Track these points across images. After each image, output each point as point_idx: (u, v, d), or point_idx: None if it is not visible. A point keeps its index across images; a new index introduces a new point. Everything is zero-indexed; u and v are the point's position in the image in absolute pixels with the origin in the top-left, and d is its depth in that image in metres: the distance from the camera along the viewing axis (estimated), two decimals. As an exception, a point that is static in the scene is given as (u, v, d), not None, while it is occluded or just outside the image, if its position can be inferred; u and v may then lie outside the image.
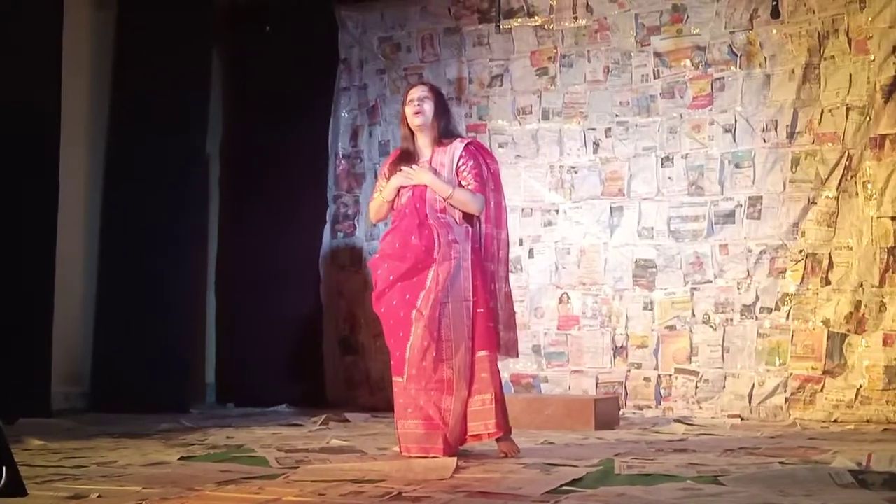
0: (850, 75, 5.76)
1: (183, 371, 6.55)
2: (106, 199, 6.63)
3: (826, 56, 5.85)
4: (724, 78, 6.15)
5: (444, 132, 4.14)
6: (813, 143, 5.86)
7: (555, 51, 6.64)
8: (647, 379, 6.15)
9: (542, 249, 6.55)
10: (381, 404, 6.26)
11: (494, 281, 4.12)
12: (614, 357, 6.27)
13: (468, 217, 4.06)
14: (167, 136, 6.50)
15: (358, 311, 6.99)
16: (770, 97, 6.00)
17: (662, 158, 6.28)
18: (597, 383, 6.27)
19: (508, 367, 6.20)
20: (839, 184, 5.75)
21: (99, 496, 2.84)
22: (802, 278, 5.80)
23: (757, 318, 5.91)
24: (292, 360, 7.01)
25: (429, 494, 2.86)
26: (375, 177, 4.38)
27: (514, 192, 6.40)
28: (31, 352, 5.59)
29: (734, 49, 6.12)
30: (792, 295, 5.82)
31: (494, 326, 4.03)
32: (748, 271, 5.96)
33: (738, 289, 5.98)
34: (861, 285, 5.62)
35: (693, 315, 6.08)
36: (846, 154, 5.75)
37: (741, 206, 6.03)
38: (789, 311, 5.82)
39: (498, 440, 3.93)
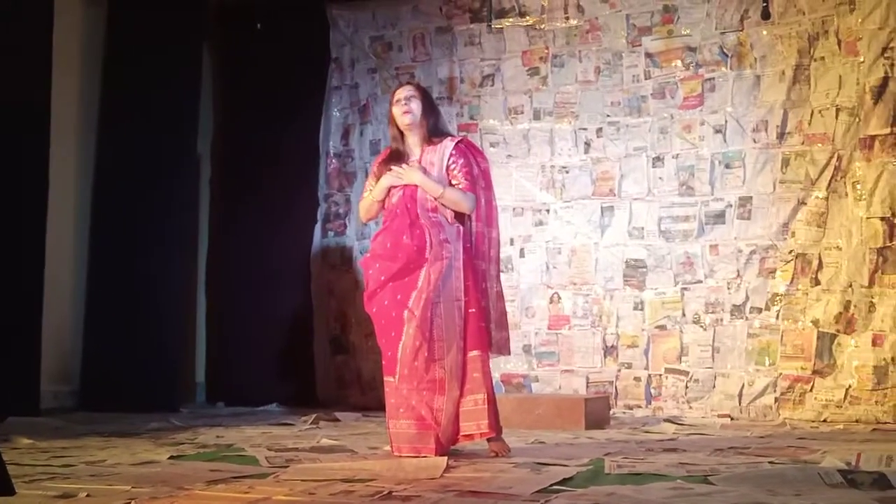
0: (840, 76, 5.78)
1: (173, 370, 6.54)
2: (96, 198, 6.62)
3: (816, 57, 5.87)
4: (714, 79, 6.16)
5: (434, 131, 4.13)
6: (803, 143, 5.88)
7: (546, 51, 6.65)
8: (637, 379, 6.16)
9: (533, 249, 6.56)
10: (372, 404, 6.26)
11: (486, 280, 4.12)
12: (605, 357, 6.28)
13: (459, 216, 4.06)
14: (158, 135, 6.49)
15: (349, 311, 6.99)
16: (760, 98, 6.02)
17: (653, 159, 6.29)
18: (587, 383, 6.28)
19: (499, 367, 6.21)
20: (829, 184, 5.78)
21: (88, 495, 2.83)
22: (792, 278, 5.82)
23: (747, 318, 5.92)
24: (283, 360, 7.00)
25: (419, 494, 2.85)
26: (366, 176, 4.36)
27: (505, 192, 6.41)
28: (21, 350, 5.58)
29: (725, 50, 6.14)
30: (782, 295, 5.84)
31: (486, 326, 4.03)
32: (738, 271, 5.98)
33: (729, 289, 6.00)
34: (850, 285, 5.64)
35: (683, 315, 6.10)
36: (836, 155, 5.77)
37: (731, 206, 6.05)
38: (779, 311, 5.84)
39: (489, 440, 3.93)
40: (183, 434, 4.87)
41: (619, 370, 6.22)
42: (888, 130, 5.62)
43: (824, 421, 5.51)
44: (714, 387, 5.94)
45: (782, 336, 5.81)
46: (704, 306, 6.05)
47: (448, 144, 4.09)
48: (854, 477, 2.96)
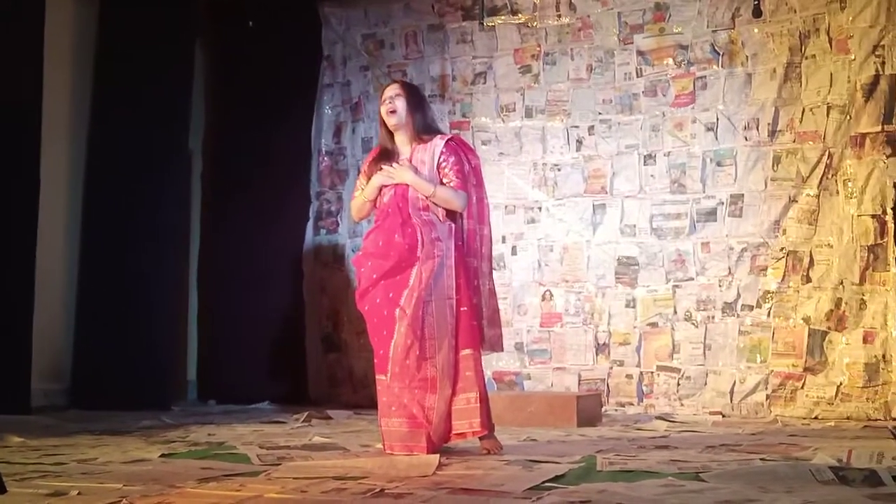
0: (831, 74, 5.80)
1: (164, 368, 6.53)
2: (88, 195, 6.59)
3: (807, 55, 5.89)
4: (706, 76, 6.17)
5: (423, 129, 4.12)
6: (794, 141, 5.90)
7: (538, 48, 6.65)
8: (629, 376, 6.17)
9: (525, 247, 6.56)
10: (364, 402, 6.26)
11: (478, 277, 4.12)
12: (597, 354, 6.28)
13: (451, 214, 4.05)
14: (150, 132, 6.47)
15: (341, 309, 6.98)
16: (752, 96, 6.03)
17: (645, 156, 6.30)
18: (579, 380, 6.29)
19: (491, 365, 6.22)
20: (820, 182, 5.79)
21: (79, 493, 2.83)
22: (783, 276, 5.84)
23: (738, 316, 5.94)
24: (274, 358, 6.99)
25: (411, 491, 2.85)
26: (359, 173, 4.36)
27: (497, 190, 6.42)
28: (11, 348, 5.56)
29: (716, 48, 6.15)
30: (773, 292, 5.86)
31: (478, 324, 4.03)
32: (730, 269, 5.99)
33: (720, 286, 6.01)
34: (841, 283, 5.66)
35: (675, 312, 6.11)
36: (827, 152, 5.79)
37: (723, 203, 6.06)
38: (770, 308, 5.85)
39: (481, 438, 3.93)
40: (174, 432, 4.86)
41: (611, 367, 6.22)
42: (879, 128, 5.64)
43: (815, 418, 5.53)
44: (706, 384, 5.96)
45: (774, 333, 5.83)
46: (696, 304, 6.06)
47: (438, 143, 4.09)
48: (845, 474, 2.97)
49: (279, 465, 3.49)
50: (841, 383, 5.57)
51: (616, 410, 6.08)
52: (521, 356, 6.45)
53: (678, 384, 6.02)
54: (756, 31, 6.04)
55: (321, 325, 7.10)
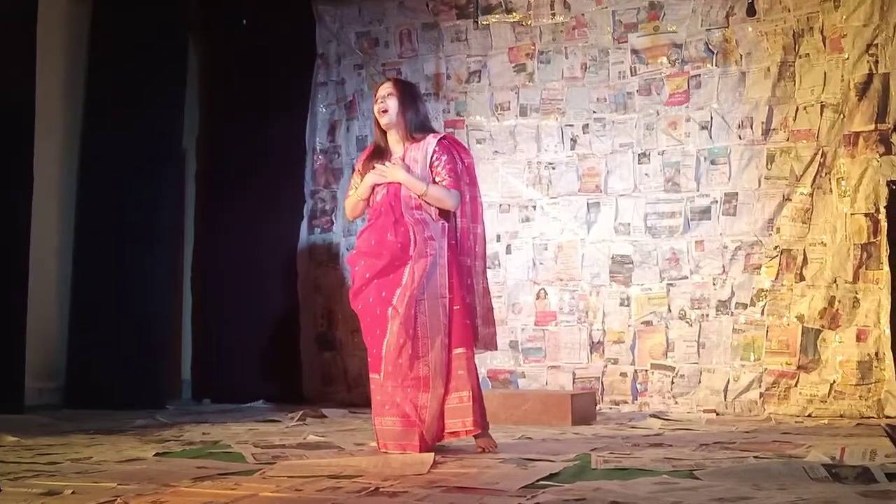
0: (825, 73, 5.81)
1: (158, 367, 6.51)
2: (81, 194, 6.58)
3: (801, 54, 5.90)
4: (700, 75, 6.18)
5: (416, 127, 4.10)
6: (788, 140, 5.91)
7: (532, 47, 6.65)
8: (623, 374, 6.18)
9: (520, 245, 6.57)
10: (359, 400, 6.26)
11: (471, 276, 4.12)
12: (591, 352, 6.29)
13: (444, 213, 4.05)
14: (143, 131, 6.46)
15: (335, 307, 6.98)
16: (746, 94, 6.04)
17: (639, 155, 6.30)
18: (573, 378, 6.29)
19: (485, 363, 6.22)
20: (813, 180, 5.80)
21: (73, 493, 2.83)
22: (777, 274, 5.85)
23: (732, 314, 5.95)
24: (269, 356, 6.98)
25: (406, 489, 2.86)
26: (353, 172, 4.36)
27: (491, 188, 6.42)
28: (5, 347, 5.55)
29: (710, 46, 6.16)
30: (767, 291, 5.87)
31: (471, 323, 4.03)
32: (724, 267, 6.00)
33: (714, 285, 6.02)
34: (835, 281, 5.67)
35: (669, 311, 6.12)
36: (820, 151, 5.80)
37: (717, 202, 6.07)
38: (764, 306, 5.87)
39: (475, 436, 3.93)
40: (169, 431, 4.86)
41: (606, 366, 6.23)
42: (872, 127, 5.65)
43: (809, 416, 5.55)
44: (700, 382, 5.97)
45: (767, 331, 5.84)
46: (690, 302, 6.07)
47: (431, 141, 4.08)
48: (838, 471, 2.98)
49: (274, 463, 3.49)
50: (834, 381, 5.59)
51: (610, 408, 6.09)
52: (515, 354, 6.46)
53: (672, 382, 6.03)
54: (750, 29, 6.05)
55: (316, 324, 7.10)
